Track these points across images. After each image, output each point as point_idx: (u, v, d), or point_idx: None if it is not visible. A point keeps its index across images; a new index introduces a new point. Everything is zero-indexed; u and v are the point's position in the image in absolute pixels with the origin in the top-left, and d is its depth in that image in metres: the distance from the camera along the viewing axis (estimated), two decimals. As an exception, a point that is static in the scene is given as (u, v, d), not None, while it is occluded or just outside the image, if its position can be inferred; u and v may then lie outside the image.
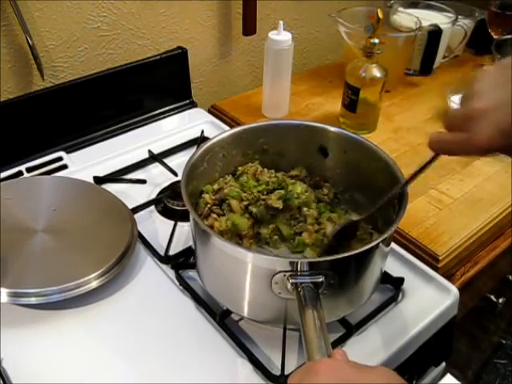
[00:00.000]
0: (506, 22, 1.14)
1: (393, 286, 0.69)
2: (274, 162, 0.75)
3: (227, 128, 0.98)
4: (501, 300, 1.01)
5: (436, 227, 0.79)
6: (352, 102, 0.97)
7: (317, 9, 1.26)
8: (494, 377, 1.47)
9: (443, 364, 0.77)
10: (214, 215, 0.68)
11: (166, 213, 0.81)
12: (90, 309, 0.65)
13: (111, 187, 0.84)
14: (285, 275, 0.53)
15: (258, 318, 0.62)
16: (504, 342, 1.42)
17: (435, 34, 1.07)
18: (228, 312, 0.64)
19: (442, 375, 0.75)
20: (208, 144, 0.69)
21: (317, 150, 0.74)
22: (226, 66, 1.17)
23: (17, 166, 0.86)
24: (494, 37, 1.16)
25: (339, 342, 0.62)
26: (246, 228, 0.66)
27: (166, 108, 1.04)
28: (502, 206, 0.84)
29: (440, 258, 0.75)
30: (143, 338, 0.62)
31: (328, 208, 0.72)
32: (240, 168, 0.74)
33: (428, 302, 0.68)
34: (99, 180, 0.85)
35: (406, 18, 1.11)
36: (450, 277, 0.78)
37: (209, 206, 0.68)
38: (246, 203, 0.69)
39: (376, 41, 0.91)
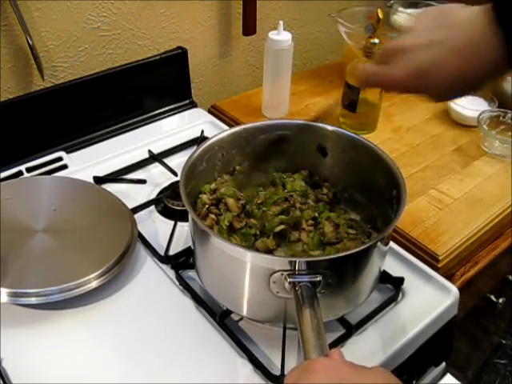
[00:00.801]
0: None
1: (393, 285, 0.69)
2: (274, 161, 0.75)
3: (227, 128, 0.98)
4: (501, 300, 1.01)
5: (436, 227, 0.79)
6: (352, 101, 0.97)
7: (317, 9, 1.26)
8: (493, 377, 1.47)
9: (443, 364, 0.77)
10: (212, 215, 0.68)
11: (166, 213, 0.81)
12: (90, 309, 0.65)
13: (111, 187, 0.84)
14: (282, 274, 0.53)
15: (257, 318, 0.62)
16: (504, 342, 1.42)
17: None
18: (228, 312, 0.64)
19: (442, 375, 0.75)
20: (207, 143, 0.69)
21: (316, 150, 0.74)
22: (226, 65, 1.17)
23: (17, 165, 0.86)
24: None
25: (339, 342, 0.62)
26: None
27: (166, 108, 1.04)
28: (501, 205, 0.84)
29: (440, 257, 0.75)
30: (143, 338, 0.62)
31: (327, 208, 0.72)
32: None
33: (428, 301, 0.68)
34: (99, 180, 0.85)
35: (406, 18, 1.11)
36: (450, 277, 0.78)
37: (206, 206, 0.68)
38: (242, 202, 0.69)
39: (376, 41, 0.91)
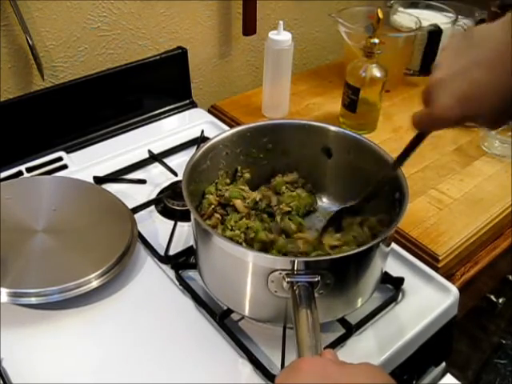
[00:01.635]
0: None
1: (393, 285, 0.69)
2: (278, 161, 0.75)
3: (227, 128, 0.98)
4: (501, 300, 1.01)
5: (436, 227, 0.79)
6: (352, 101, 0.97)
7: (317, 9, 1.26)
8: (493, 377, 1.47)
9: (443, 364, 0.77)
10: (217, 215, 0.68)
11: (166, 213, 0.81)
12: (90, 309, 0.65)
13: (111, 187, 0.84)
14: (281, 274, 0.53)
15: (257, 317, 0.62)
16: (504, 342, 1.42)
17: (435, 33, 1.07)
18: (228, 312, 0.64)
19: (442, 375, 0.75)
20: (212, 141, 0.69)
21: (320, 151, 0.74)
22: (226, 65, 1.17)
23: (17, 165, 0.86)
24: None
25: (339, 342, 0.62)
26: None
27: (166, 108, 1.04)
28: (502, 205, 0.84)
29: (440, 257, 0.75)
30: (143, 338, 0.62)
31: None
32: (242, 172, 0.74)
33: (428, 301, 0.68)
34: (99, 180, 0.85)
35: (406, 17, 1.11)
36: (450, 277, 0.78)
37: (213, 206, 0.68)
38: (249, 201, 0.70)
39: (376, 41, 0.91)
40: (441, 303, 0.68)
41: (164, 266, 0.72)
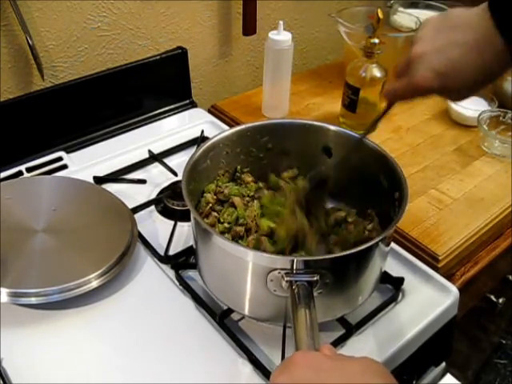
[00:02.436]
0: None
1: (393, 285, 0.69)
2: (278, 161, 0.75)
3: (227, 128, 0.98)
4: (501, 300, 1.01)
5: (436, 227, 0.79)
6: (352, 101, 0.97)
7: (317, 9, 1.26)
8: (493, 377, 1.47)
9: (443, 364, 0.77)
10: (215, 213, 0.68)
11: (166, 213, 0.81)
12: (90, 309, 0.65)
13: (111, 187, 0.84)
14: (280, 273, 0.53)
15: (257, 317, 0.62)
16: (504, 342, 1.42)
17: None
18: (228, 312, 0.64)
19: (442, 375, 0.75)
20: (212, 141, 0.69)
21: (321, 150, 0.74)
22: (226, 65, 1.17)
23: (17, 165, 0.86)
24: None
25: (339, 342, 0.62)
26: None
27: (166, 108, 1.04)
28: (502, 206, 0.84)
29: (440, 257, 0.75)
30: (143, 338, 0.62)
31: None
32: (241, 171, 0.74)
33: (428, 301, 0.68)
34: (99, 180, 0.85)
35: (406, 17, 1.11)
36: (450, 277, 0.78)
37: (210, 205, 0.68)
38: (247, 199, 0.69)
39: (376, 41, 0.91)
40: (441, 303, 0.68)
41: (164, 266, 0.72)
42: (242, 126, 0.72)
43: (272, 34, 0.95)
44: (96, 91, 0.93)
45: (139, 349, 0.61)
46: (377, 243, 0.56)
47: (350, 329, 0.63)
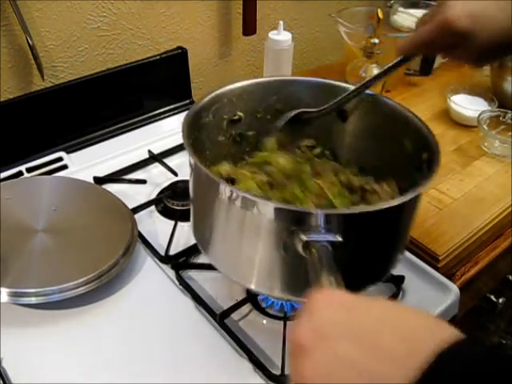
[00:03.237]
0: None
1: (393, 284, 0.69)
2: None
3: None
4: (501, 300, 1.01)
5: (436, 227, 0.79)
6: (352, 101, 0.97)
7: (317, 9, 1.26)
8: (494, 377, 1.47)
9: (443, 364, 0.77)
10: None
11: (166, 213, 0.81)
12: (90, 309, 0.65)
13: (111, 187, 0.84)
14: (295, 231, 0.44)
15: (266, 291, 0.54)
16: (504, 341, 1.42)
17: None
18: (228, 312, 0.64)
19: (442, 375, 0.75)
20: (215, 93, 0.62)
21: (335, 113, 0.66)
22: (226, 65, 1.17)
23: (17, 166, 0.86)
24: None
25: (339, 342, 0.62)
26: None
27: (166, 108, 1.04)
28: (502, 206, 0.84)
29: (440, 257, 0.75)
30: (143, 338, 0.62)
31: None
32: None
33: (428, 301, 0.68)
34: (99, 180, 0.85)
35: (406, 17, 1.11)
36: (450, 277, 0.78)
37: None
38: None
39: (376, 41, 0.91)
40: (441, 302, 0.68)
41: (164, 266, 0.71)
42: (248, 82, 0.65)
43: (272, 34, 0.96)
44: (96, 91, 0.93)
45: (139, 349, 0.61)
46: (416, 196, 0.48)
47: (350, 329, 0.62)
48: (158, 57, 0.98)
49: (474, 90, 1.06)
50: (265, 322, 0.66)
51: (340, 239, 0.44)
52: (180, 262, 0.72)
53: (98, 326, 0.64)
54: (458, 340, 0.29)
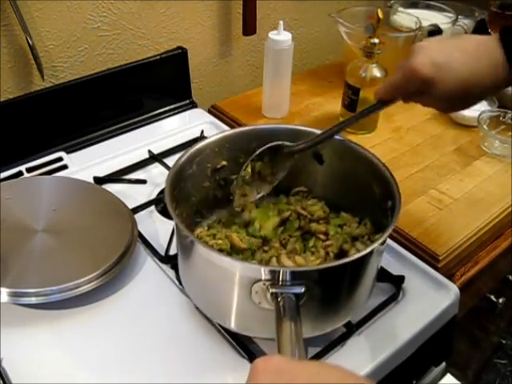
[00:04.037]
0: (506, 22, 1.14)
1: (393, 284, 0.69)
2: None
3: (227, 128, 0.98)
4: (501, 300, 1.01)
5: (436, 227, 0.79)
6: (352, 101, 0.97)
7: (317, 9, 1.26)
8: (493, 377, 1.47)
9: (443, 364, 0.77)
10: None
11: (166, 213, 0.81)
12: (90, 309, 0.65)
13: (111, 187, 0.84)
14: (265, 284, 0.51)
15: (243, 331, 0.60)
16: (504, 341, 1.42)
17: (435, 33, 1.07)
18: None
19: (442, 375, 0.75)
20: (198, 146, 0.67)
21: (312, 157, 0.71)
22: (226, 65, 1.17)
23: (17, 166, 0.86)
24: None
25: (340, 341, 0.62)
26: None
27: (166, 108, 1.04)
28: (502, 206, 0.84)
29: (440, 257, 0.75)
30: (143, 338, 0.62)
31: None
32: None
33: (428, 301, 0.68)
34: (99, 180, 0.85)
35: (406, 18, 1.11)
36: (450, 277, 0.78)
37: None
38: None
39: (376, 41, 0.91)
40: (441, 302, 0.68)
41: (164, 266, 0.71)
42: (229, 132, 0.71)
43: (272, 34, 0.95)
44: (96, 91, 0.93)
45: (139, 349, 0.61)
46: (371, 251, 0.53)
47: (350, 328, 0.63)
48: (158, 57, 0.98)
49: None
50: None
51: (303, 290, 0.50)
52: (180, 262, 0.72)
53: (98, 325, 0.64)
54: None
